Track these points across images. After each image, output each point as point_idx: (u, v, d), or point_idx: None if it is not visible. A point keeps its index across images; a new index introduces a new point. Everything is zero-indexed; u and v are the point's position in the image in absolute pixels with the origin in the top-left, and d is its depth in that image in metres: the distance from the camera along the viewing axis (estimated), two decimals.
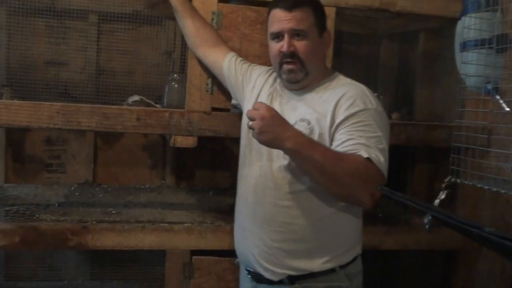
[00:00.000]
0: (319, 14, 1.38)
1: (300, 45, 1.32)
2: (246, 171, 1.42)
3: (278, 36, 1.35)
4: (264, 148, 1.36)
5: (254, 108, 1.23)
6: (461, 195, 1.87)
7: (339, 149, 1.24)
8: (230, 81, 1.57)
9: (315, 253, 1.32)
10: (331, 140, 1.28)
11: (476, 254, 1.86)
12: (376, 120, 1.26)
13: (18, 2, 1.76)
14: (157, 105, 1.81)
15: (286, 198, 1.32)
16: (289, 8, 1.32)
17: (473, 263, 1.88)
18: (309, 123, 1.30)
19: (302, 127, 1.29)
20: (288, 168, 1.32)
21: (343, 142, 1.24)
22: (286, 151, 1.23)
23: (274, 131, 1.19)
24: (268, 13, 1.39)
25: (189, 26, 1.60)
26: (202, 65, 1.67)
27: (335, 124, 1.27)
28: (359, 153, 1.21)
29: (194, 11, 1.62)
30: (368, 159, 1.20)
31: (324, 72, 1.40)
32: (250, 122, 1.21)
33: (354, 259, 1.37)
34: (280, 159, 1.33)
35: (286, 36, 1.32)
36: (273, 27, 1.35)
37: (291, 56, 1.32)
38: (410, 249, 1.92)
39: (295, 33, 1.32)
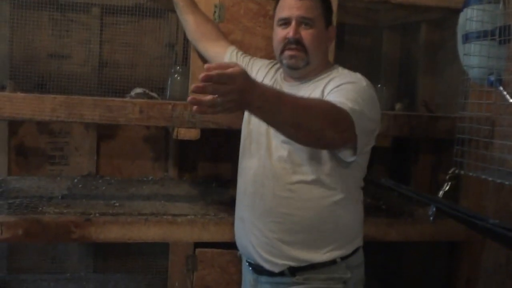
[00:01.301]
0: (327, 6, 1.40)
1: (306, 33, 1.33)
2: (246, 163, 1.42)
3: (285, 22, 1.35)
4: (263, 140, 1.36)
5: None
6: (465, 186, 1.87)
7: None
8: None
9: (315, 244, 1.32)
10: None
11: (481, 246, 1.86)
12: (361, 91, 1.25)
13: None
14: (154, 95, 1.81)
15: (285, 189, 1.32)
16: None
17: (478, 255, 1.87)
18: None
19: None
20: (288, 159, 1.32)
21: None
22: (254, 111, 1.08)
23: (240, 99, 1.00)
24: None
25: (190, 21, 1.61)
26: (204, 58, 1.67)
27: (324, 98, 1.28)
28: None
29: (195, 6, 1.63)
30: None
31: (325, 65, 1.41)
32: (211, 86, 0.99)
33: (355, 251, 1.36)
34: (279, 150, 1.33)
35: (293, 23, 1.33)
36: (282, 13, 1.36)
37: (296, 43, 1.33)
38: (414, 241, 1.92)
39: (303, 21, 1.33)
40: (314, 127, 1.12)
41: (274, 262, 1.34)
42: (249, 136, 1.43)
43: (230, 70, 0.97)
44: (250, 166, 1.40)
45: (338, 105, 1.17)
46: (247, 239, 1.40)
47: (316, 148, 1.28)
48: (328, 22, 1.39)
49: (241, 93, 0.98)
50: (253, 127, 1.42)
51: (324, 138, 1.16)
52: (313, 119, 1.11)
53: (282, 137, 1.31)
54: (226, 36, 1.65)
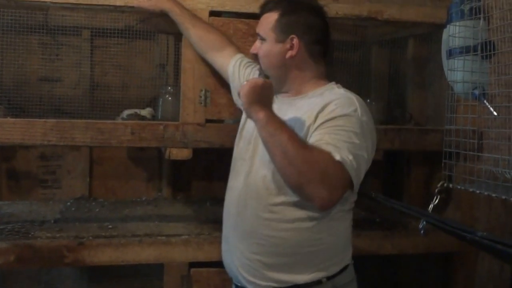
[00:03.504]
0: (285, 17, 1.35)
1: (259, 48, 1.38)
2: (233, 183, 1.41)
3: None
4: (248, 157, 1.35)
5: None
6: (456, 198, 1.88)
7: None
8: (234, 85, 1.59)
9: (298, 265, 1.28)
10: None
11: (475, 255, 1.87)
12: (355, 127, 1.22)
13: (11, 19, 1.77)
14: (144, 115, 1.82)
15: (267, 210, 1.29)
16: (262, 13, 1.40)
17: (472, 264, 1.88)
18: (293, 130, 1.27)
19: None
20: (272, 179, 1.29)
21: (314, 142, 1.21)
22: (258, 119, 1.21)
23: (259, 97, 1.22)
24: None
25: (192, 36, 1.64)
26: (195, 78, 1.69)
27: (314, 128, 1.24)
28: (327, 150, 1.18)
29: (194, 19, 1.64)
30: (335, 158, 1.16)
31: (317, 81, 1.37)
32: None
33: (343, 269, 1.32)
34: (263, 169, 1.30)
35: (257, 39, 1.40)
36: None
37: (255, 57, 1.40)
38: (408, 253, 1.93)
39: (259, 38, 1.39)
40: (299, 167, 1.14)
41: (257, 283, 1.31)
42: (238, 155, 1.42)
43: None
44: (236, 186, 1.38)
45: (336, 156, 1.15)
46: (231, 260, 1.37)
47: (300, 196, 1.23)
48: (286, 32, 1.34)
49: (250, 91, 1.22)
50: (242, 146, 1.41)
51: (307, 188, 1.15)
52: (301, 157, 1.14)
53: (267, 157, 1.27)
54: None
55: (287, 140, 1.15)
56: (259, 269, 1.30)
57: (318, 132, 1.23)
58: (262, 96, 1.23)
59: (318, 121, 1.25)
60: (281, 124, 1.19)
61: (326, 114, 1.25)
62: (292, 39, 1.35)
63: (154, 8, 1.64)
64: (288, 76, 1.37)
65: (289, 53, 1.35)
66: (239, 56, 1.60)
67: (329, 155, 1.15)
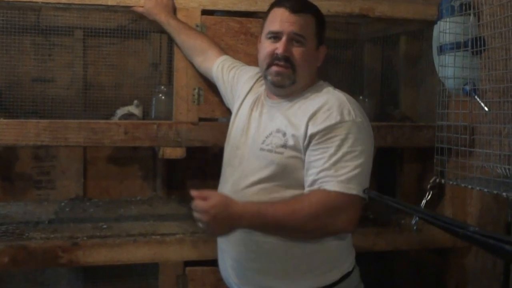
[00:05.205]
0: (321, 26, 1.34)
1: (296, 51, 1.27)
2: (221, 188, 1.39)
3: (275, 36, 1.29)
4: (237, 163, 1.33)
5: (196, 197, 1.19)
6: (449, 193, 1.89)
7: (308, 176, 1.21)
8: (220, 90, 1.60)
9: (293, 272, 1.25)
10: (304, 153, 1.23)
11: (468, 251, 1.88)
12: (351, 134, 1.20)
13: (2, 20, 1.76)
14: (134, 112, 1.81)
15: None
16: (295, 11, 1.27)
17: (465, 260, 1.90)
18: (284, 134, 1.26)
19: (276, 138, 1.26)
20: (259, 184, 1.27)
21: (312, 162, 1.20)
22: (244, 228, 1.20)
23: (225, 224, 1.15)
24: (269, 11, 1.33)
25: (179, 44, 1.65)
26: (188, 77, 1.69)
27: (307, 136, 1.22)
28: (324, 187, 1.17)
29: (178, 26, 1.63)
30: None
31: (310, 84, 1.34)
32: (196, 214, 1.16)
33: (344, 277, 1.28)
34: (253, 175, 1.28)
35: (284, 38, 1.26)
36: (274, 26, 1.29)
37: (285, 60, 1.27)
38: (402, 250, 1.94)
39: (294, 38, 1.27)
40: (305, 228, 1.18)
41: None
42: (227, 161, 1.40)
43: (207, 192, 1.17)
44: (224, 192, 1.34)
45: (331, 185, 1.16)
46: (226, 270, 1.36)
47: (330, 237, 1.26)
48: (320, 41, 1.34)
49: (216, 210, 1.13)
50: (230, 151, 1.39)
51: (329, 232, 1.21)
52: (299, 222, 1.17)
53: (256, 163, 1.28)
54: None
55: (276, 222, 1.16)
56: (254, 277, 1.28)
57: (315, 148, 1.21)
58: (223, 216, 1.15)
59: (311, 130, 1.22)
60: (260, 214, 1.17)
61: (319, 122, 1.22)
62: (323, 50, 1.35)
63: (145, 15, 1.66)
64: (308, 80, 1.33)
65: (320, 61, 1.36)
66: (221, 59, 1.57)
67: (321, 193, 1.17)
